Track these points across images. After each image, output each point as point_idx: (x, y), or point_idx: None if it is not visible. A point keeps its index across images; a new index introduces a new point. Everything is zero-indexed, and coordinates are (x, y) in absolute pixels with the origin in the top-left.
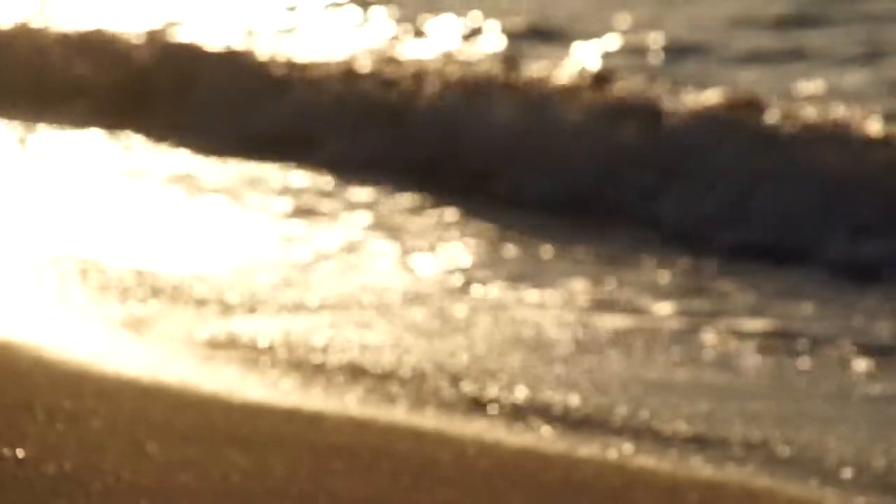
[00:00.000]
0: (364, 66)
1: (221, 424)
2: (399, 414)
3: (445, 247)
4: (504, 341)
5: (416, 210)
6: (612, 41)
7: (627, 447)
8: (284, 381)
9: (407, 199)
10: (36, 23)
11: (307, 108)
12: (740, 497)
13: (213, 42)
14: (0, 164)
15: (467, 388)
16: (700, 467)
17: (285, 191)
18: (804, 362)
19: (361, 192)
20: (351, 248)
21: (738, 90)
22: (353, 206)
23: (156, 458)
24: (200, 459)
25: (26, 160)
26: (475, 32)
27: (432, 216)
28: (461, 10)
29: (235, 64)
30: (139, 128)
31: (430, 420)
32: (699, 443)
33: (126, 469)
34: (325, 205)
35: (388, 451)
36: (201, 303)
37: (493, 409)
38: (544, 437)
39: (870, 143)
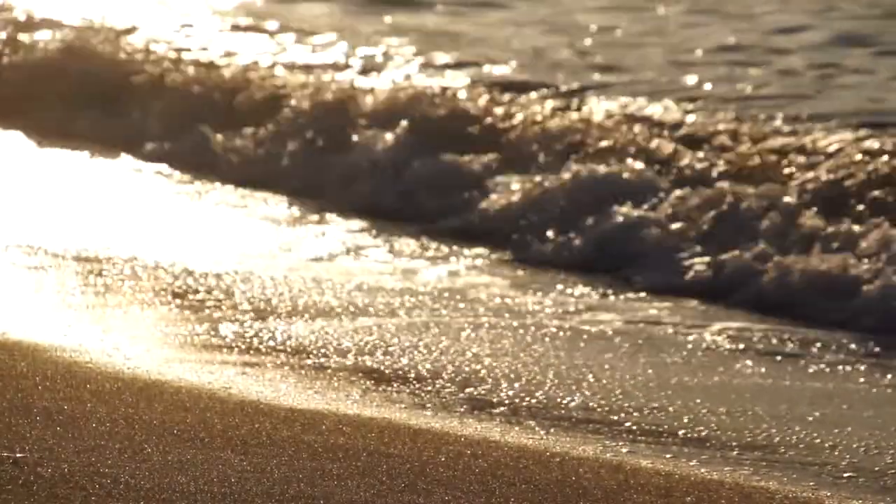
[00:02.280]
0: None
1: (219, 426)
2: (397, 415)
3: (441, 249)
4: (501, 343)
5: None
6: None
7: (624, 448)
8: (282, 383)
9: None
10: None
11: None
12: (736, 497)
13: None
14: None
15: (465, 389)
16: (696, 468)
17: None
18: (801, 363)
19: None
20: (345, 252)
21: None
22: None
23: (154, 460)
24: (198, 461)
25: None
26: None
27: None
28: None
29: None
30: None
31: (427, 421)
32: (696, 443)
33: (124, 471)
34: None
35: (385, 453)
36: (200, 304)
37: (490, 411)
38: (541, 439)
39: None
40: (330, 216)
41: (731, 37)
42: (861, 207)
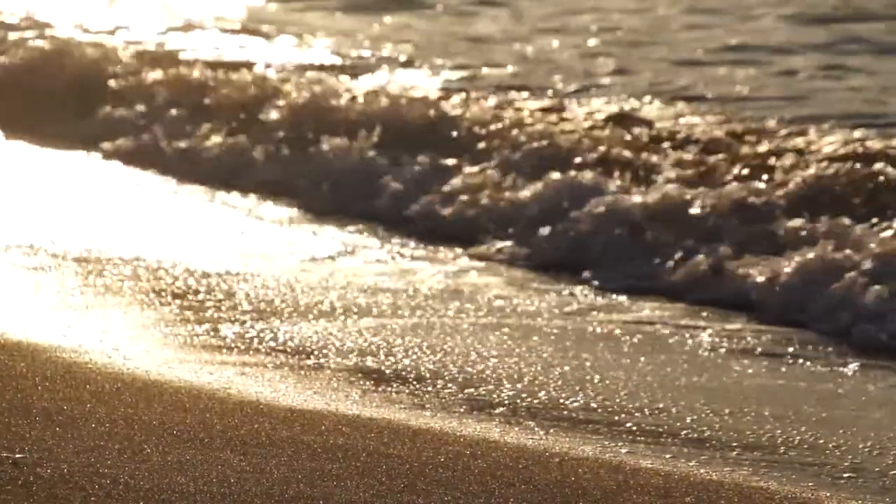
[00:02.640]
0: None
1: (219, 427)
2: (396, 416)
3: (439, 250)
4: (500, 343)
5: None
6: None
7: (623, 448)
8: (281, 383)
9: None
10: None
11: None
12: (736, 498)
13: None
14: None
15: (464, 390)
16: (696, 468)
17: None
18: (800, 364)
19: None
20: (343, 253)
21: None
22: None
23: (153, 461)
24: (198, 462)
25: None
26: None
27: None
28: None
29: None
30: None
31: (427, 422)
32: (695, 444)
33: (124, 471)
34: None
35: (385, 454)
36: (199, 305)
37: (489, 411)
38: (541, 439)
39: None
40: (321, 218)
41: (732, 37)
42: (845, 208)
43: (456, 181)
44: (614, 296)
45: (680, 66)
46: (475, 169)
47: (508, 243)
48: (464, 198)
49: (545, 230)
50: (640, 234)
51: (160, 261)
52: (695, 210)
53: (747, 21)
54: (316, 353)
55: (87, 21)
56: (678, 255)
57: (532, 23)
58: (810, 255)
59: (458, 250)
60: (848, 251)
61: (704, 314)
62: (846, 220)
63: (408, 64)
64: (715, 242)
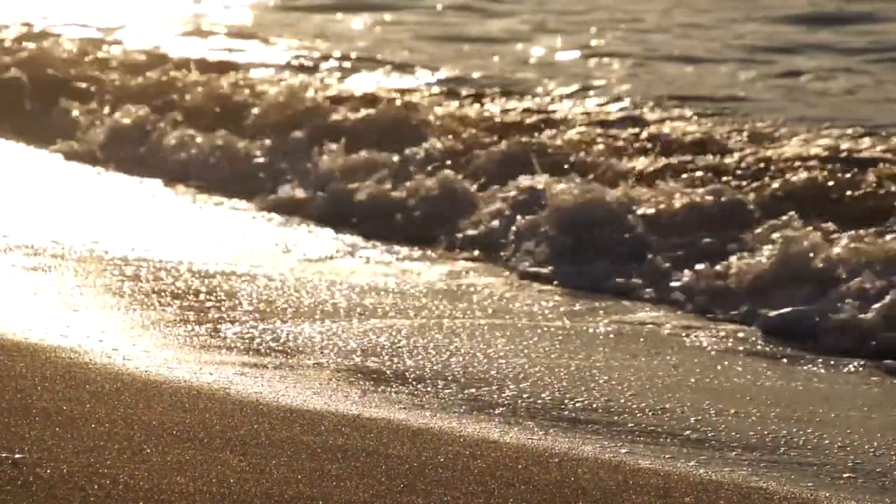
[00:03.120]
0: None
1: (218, 427)
2: (396, 416)
3: (437, 249)
4: (500, 343)
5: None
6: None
7: (623, 448)
8: (281, 383)
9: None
10: None
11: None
12: (735, 498)
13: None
14: None
15: (464, 390)
16: (695, 468)
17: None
18: (800, 364)
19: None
20: (345, 253)
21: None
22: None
23: (153, 461)
24: (197, 462)
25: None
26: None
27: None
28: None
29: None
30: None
31: (426, 422)
32: (694, 444)
33: (123, 471)
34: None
35: (384, 454)
36: (199, 305)
37: (489, 411)
38: (540, 439)
39: None
40: (319, 219)
41: (732, 37)
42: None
43: (432, 182)
44: (613, 297)
45: (680, 66)
46: (453, 170)
47: (477, 246)
48: (437, 199)
49: (517, 234)
50: (606, 235)
51: (160, 261)
52: (675, 210)
53: (747, 21)
54: (316, 353)
55: (78, 22)
56: (656, 256)
57: (532, 23)
58: (790, 255)
59: (458, 251)
60: (827, 253)
61: (702, 315)
62: (831, 222)
63: (406, 64)
64: (698, 244)
